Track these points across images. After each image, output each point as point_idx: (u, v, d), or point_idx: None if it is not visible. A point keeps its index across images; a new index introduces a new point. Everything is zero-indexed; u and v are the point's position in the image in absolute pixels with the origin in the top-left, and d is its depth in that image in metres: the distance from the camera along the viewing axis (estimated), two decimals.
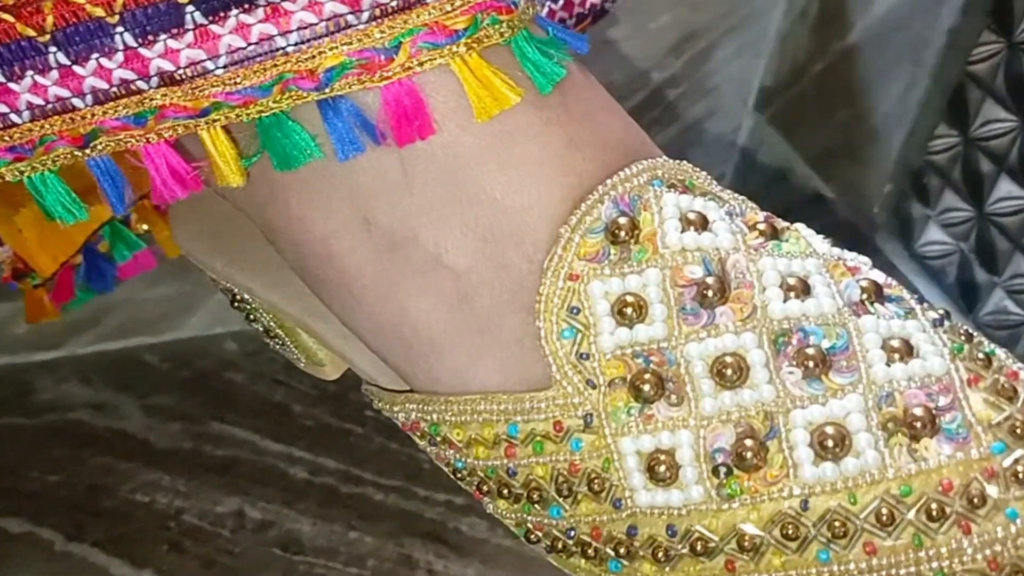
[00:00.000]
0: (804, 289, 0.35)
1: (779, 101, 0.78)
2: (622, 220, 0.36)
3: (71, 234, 0.54)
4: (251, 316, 0.52)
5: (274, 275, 0.44)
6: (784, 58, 0.76)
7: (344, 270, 0.37)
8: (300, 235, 0.37)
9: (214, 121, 0.32)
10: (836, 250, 0.37)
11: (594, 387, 0.35)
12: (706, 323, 0.35)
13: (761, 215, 0.37)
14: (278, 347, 0.52)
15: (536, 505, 0.37)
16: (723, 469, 0.34)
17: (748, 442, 0.34)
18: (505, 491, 0.38)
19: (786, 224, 0.37)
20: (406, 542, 0.60)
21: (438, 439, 0.39)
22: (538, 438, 0.36)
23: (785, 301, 0.35)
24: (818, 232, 0.37)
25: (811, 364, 0.34)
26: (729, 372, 0.35)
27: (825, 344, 0.34)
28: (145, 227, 0.58)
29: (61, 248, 0.54)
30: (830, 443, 0.33)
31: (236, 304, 0.51)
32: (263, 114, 0.32)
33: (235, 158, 0.33)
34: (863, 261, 0.37)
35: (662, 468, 0.35)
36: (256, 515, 0.62)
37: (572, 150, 0.36)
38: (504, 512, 0.39)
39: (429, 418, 0.39)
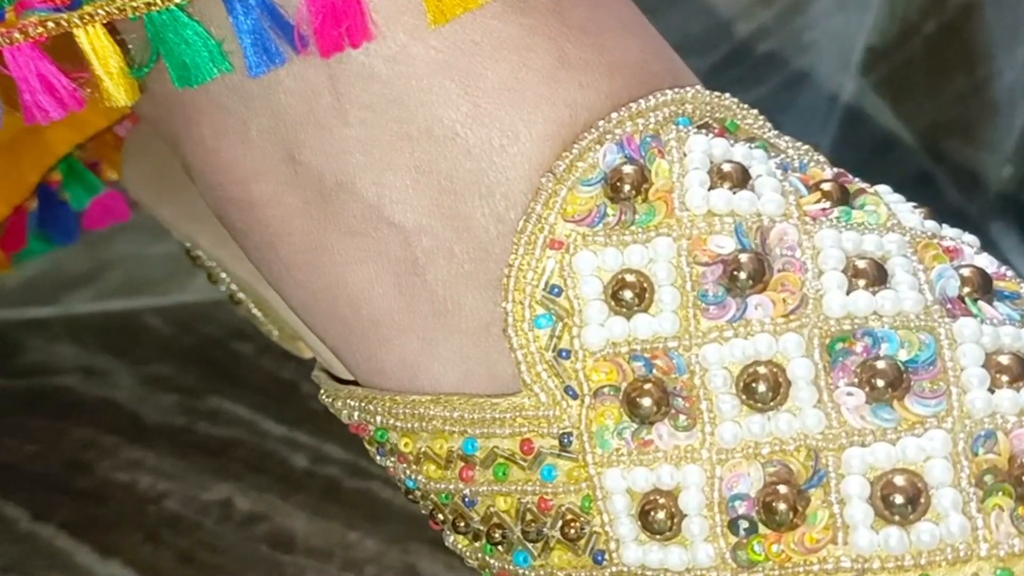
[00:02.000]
0: (878, 276, 0.27)
1: (885, 64, 0.70)
2: (627, 169, 0.28)
3: (23, 172, 0.47)
4: (212, 277, 0.45)
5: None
6: (893, 13, 0.68)
7: (268, 224, 0.31)
8: (217, 176, 0.31)
9: (90, 16, 0.27)
10: (932, 224, 0.29)
11: (575, 397, 0.27)
12: (733, 317, 0.27)
13: (829, 171, 0.29)
14: (248, 316, 0.45)
15: (498, 547, 0.30)
16: (743, 524, 0.26)
17: (782, 489, 0.26)
18: (462, 524, 0.30)
19: (863, 185, 0.29)
20: (412, 549, 0.51)
21: (386, 448, 0.31)
22: (501, 460, 0.29)
23: (849, 292, 0.26)
24: None
25: (880, 384, 0.26)
26: (761, 388, 0.26)
27: (903, 356, 0.26)
28: (116, 176, 0.50)
29: (12, 189, 0.47)
30: (899, 499, 0.25)
31: (196, 262, 0.45)
32: (153, 8, 0.26)
33: (121, 68, 0.27)
34: (968, 241, 0.29)
35: (660, 515, 0.27)
36: (246, 505, 0.53)
37: (564, 71, 0.28)
38: (464, 550, 0.31)
39: (373, 420, 0.31)
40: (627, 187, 0.28)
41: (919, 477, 0.25)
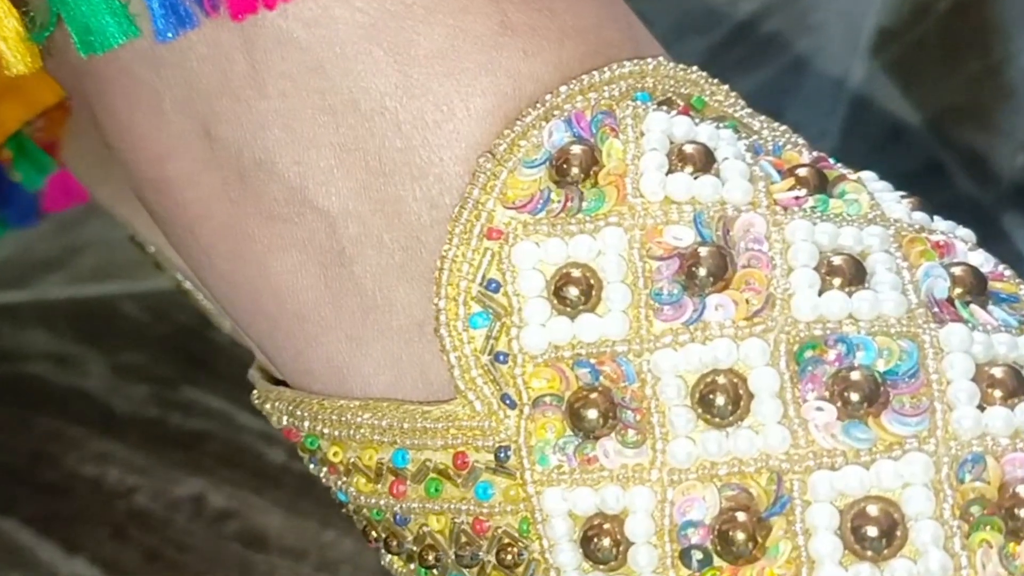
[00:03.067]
0: (856, 275, 0.24)
1: (896, 46, 0.68)
2: (575, 149, 0.26)
3: None
4: (158, 264, 0.43)
5: None
6: None
7: (185, 207, 0.29)
8: (132, 153, 0.29)
9: None
10: (921, 216, 0.27)
11: (513, 406, 0.25)
12: (690, 319, 0.24)
13: (807, 155, 0.27)
14: (198, 306, 0.42)
15: (433, 571, 0.28)
16: (696, 555, 0.24)
17: (740, 516, 0.24)
18: (395, 544, 0.28)
19: (845, 171, 0.27)
20: None
21: (317, 457, 0.29)
22: (433, 475, 0.27)
23: (822, 292, 0.24)
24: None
25: (854, 398, 0.23)
26: (719, 400, 0.24)
27: (880, 366, 0.24)
28: None
29: None
30: (872, 532, 0.23)
31: (141, 249, 0.43)
32: None
33: (18, 32, 0.26)
34: (962, 236, 0.27)
35: (605, 543, 0.25)
36: (218, 501, 0.52)
37: (506, 37, 0.26)
38: (399, 572, 0.29)
39: (301, 426, 0.29)
40: (575, 170, 0.25)
41: (895, 507, 0.23)
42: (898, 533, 0.23)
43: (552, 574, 0.25)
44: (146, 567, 0.48)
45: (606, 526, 0.24)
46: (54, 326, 0.61)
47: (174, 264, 0.39)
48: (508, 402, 0.25)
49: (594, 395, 0.24)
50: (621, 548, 0.24)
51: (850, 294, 0.24)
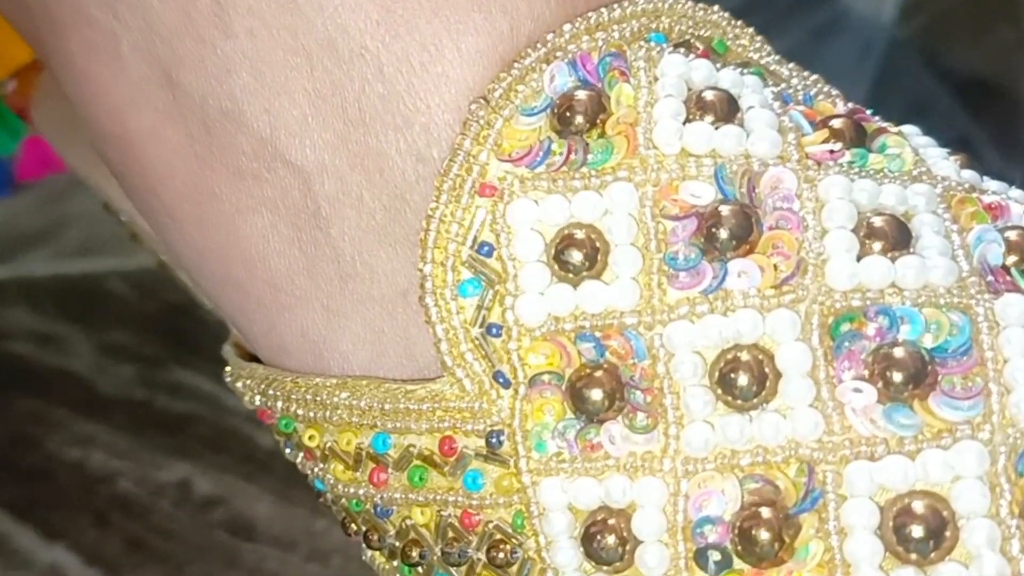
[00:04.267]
0: (899, 238, 0.23)
1: (922, 14, 0.67)
2: (580, 95, 0.24)
3: None
4: (134, 236, 0.41)
5: None
6: None
7: (147, 165, 0.27)
8: (91, 106, 0.27)
9: None
10: (971, 175, 0.25)
11: (507, 385, 0.24)
12: (709, 287, 0.22)
13: (842, 106, 0.25)
14: (180, 280, 0.40)
15: (417, 569, 0.26)
16: (714, 556, 0.22)
17: (764, 512, 0.22)
18: (375, 538, 0.26)
19: (885, 124, 0.25)
20: None
21: (293, 441, 0.27)
22: (417, 462, 0.25)
23: (861, 257, 0.22)
24: None
25: (897, 378, 0.22)
26: (742, 380, 0.22)
27: (928, 342, 0.22)
28: None
29: None
30: (917, 532, 0.21)
31: (117, 217, 0.41)
32: None
33: None
34: (1016, 198, 0.24)
35: (609, 541, 0.23)
36: (205, 488, 0.51)
37: None
38: (382, 568, 0.28)
39: (275, 407, 0.27)
40: (579, 118, 0.23)
41: (944, 503, 0.21)
42: (947, 534, 0.21)
43: (549, 575, 0.23)
44: (128, 555, 0.47)
45: (611, 522, 0.22)
46: (37, 303, 0.60)
47: (148, 233, 0.36)
48: (501, 380, 0.23)
49: (599, 373, 0.23)
50: (628, 547, 0.22)
51: (893, 260, 0.22)
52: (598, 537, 0.22)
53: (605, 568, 0.23)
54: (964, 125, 0.66)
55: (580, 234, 0.23)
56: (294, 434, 0.27)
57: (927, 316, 0.22)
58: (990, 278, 0.22)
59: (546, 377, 0.23)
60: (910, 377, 0.21)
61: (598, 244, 0.23)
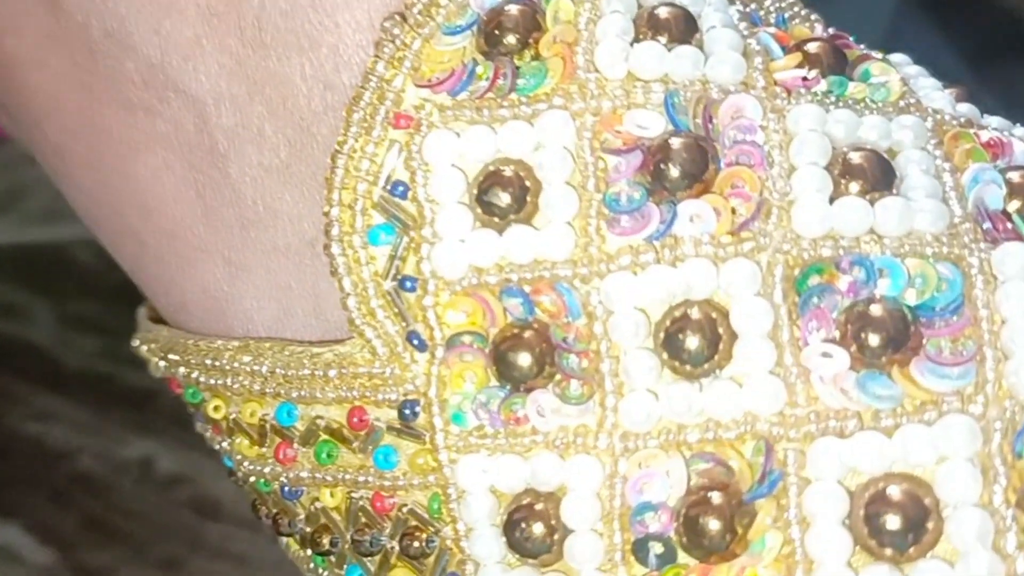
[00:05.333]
0: (881, 177, 0.21)
1: None
2: (511, 10, 0.22)
3: None
4: None
5: None
6: None
7: (31, 94, 0.26)
8: None
9: None
10: (968, 108, 0.23)
11: (422, 348, 0.22)
12: (656, 233, 0.21)
13: (820, 30, 0.24)
14: None
15: (330, 558, 0.25)
16: (655, 548, 0.21)
17: (715, 498, 0.20)
18: (286, 523, 0.25)
19: (864, 51, 0.23)
20: None
21: (201, 413, 0.26)
22: (324, 436, 0.23)
23: (834, 199, 0.21)
24: None
25: (873, 341, 0.20)
26: (692, 342, 0.21)
27: (911, 298, 0.21)
28: None
29: None
30: (893, 523, 0.20)
31: None
32: None
33: None
34: (1020, 135, 0.23)
35: (536, 529, 0.21)
36: (169, 465, 0.51)
37: None
38: (296, 556, 0.26)
39: (177, 373, 0.26)
40: (509, 37, 0.22)
41: (927, 489, 0.20)
42: (929, 525, 0.20)
43: (468, 568, 0.22)
44: (86, 536, 0.47)
45: (538, 507, 0.21)
46: None
47: None
48: (416, 342, 0.22)
49: (527, 334, 0.21)
50: (556, 537, 0.21)
51: (872, 202, 0.21)
52: (523, 525, 0.21)
53: (531, 561, 0.21)
54: (973, 88, 0.69)
55: (507, 171, 0.22)
56: (201, 405, 0.26)
57: (911, 268, 0.21)
58: (987, 224, 0.21)
59: (466, 338, 0.22)
60: (889, 339, 0.20)
61: (528, 183, 0.21)
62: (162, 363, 0.26)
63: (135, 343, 0.28)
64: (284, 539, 0.26)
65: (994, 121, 0.23)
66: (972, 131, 0.22)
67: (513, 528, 0.21)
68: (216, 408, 0.25)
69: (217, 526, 0.48)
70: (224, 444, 0.26)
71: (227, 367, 0.24)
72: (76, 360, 0.55)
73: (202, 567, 0.48)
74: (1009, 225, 0.21)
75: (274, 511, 0.25)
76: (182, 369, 0.25)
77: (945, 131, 0.22)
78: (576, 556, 0.21)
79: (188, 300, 0.26)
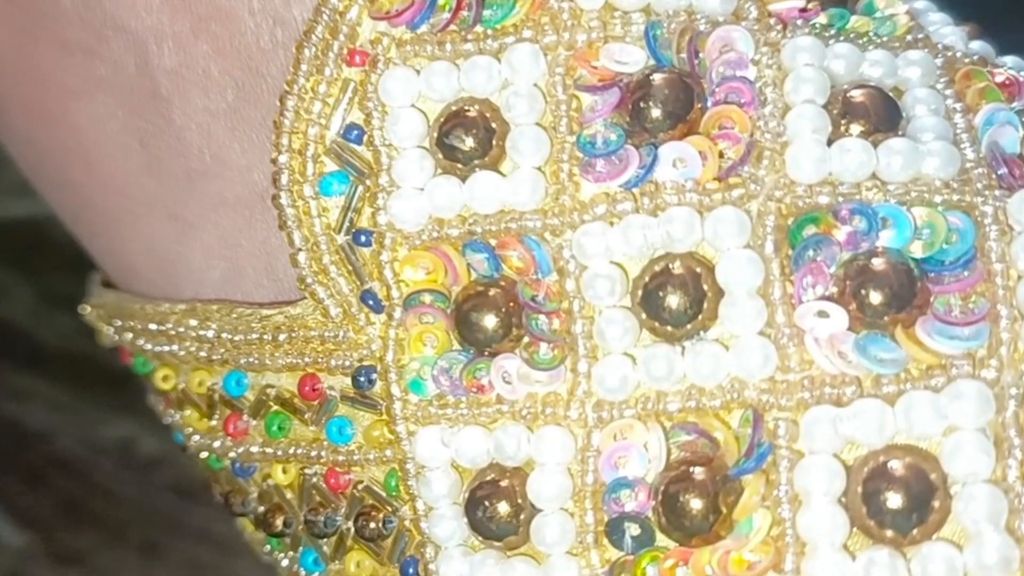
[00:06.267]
0: (884, 117, 0.20)
1: None
2: None
3: None
4: None
5: None
6: None
7: None
8: None
9: None
10: (981, 46, 0.22)
11: (378, 309, 0.21)
12: (634, 179, 0.20)
13: None
14: None
15: (285, 540, 0.24)
16: (631, 529, 0.20)
17: (697, 474, 0.19)
18: (239, 502, 0.24)
19: None
20: None
21: (151, 384, 0.26)
22: (275, 407, 0.23)
23: (832, 141, 0.20)
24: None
25: (875, 298, 0.19)
26: (673, 300, 0.20)
27: (917, 251, 0.20)
28: None
29: None
30: (894, 500, 0.19)
31: None
32: None
33: None
34: None
35: (501, 509, 0.20)
36: (150, 447, 0.49)
37: None
38: (252, 539, 0.25)
39: (124, 340, 0.25)
40: None
41: (933, 463, 0.19)
42: (935, 504, 0.19)
43: (428, 552, 0.21)
44: (64, 519, 0.45)
45: (503, 484, 0.21)
46: None
47: None
48: (371, 303, 0.21)
49: (492, 292, 0.21)
50: (523, 517, 0.20)
51: (875, 144, 0.20)
52: (486, 503, 0.21)
53: (496, 544, 0.21)
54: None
55: (472, 112, 0.21)
56: (151, 375, 0.25)
57: (917, 217, 0.20)
58: (1002, 170, 0.20)
59: (426, 297, 0.21)
60: (892, 297, 0.19)
61: (494, 125, 0.21)
62: (110, 329, 0.26)
63: (84, 309, 0.27)
64: (239, 520, 0.25)
65: (1010, 60, 0.23)
66: (986, 69, 0.22)
67: (475, 507, 0.21)
68: (165, 378, 0.25)
69: (199, 509, 0.46)
70: (175, 417, 0.25)
71: (172, 332, 0.23)
72: (54, 338, 0.54)
73: (183, 551, 0.46)
74: None
75: (227, 489, 0.25)
76: (129, 335, 0.25)
77: (957, 69, 0.21)
78: (544, 538, 0.20)
79: (135, 260, 0.25)
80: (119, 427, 0.48)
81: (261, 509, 0.24)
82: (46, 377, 0.50)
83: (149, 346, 0.24)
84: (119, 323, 0.25)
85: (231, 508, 0.25)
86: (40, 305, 0.54)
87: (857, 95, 0.20)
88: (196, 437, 0.24)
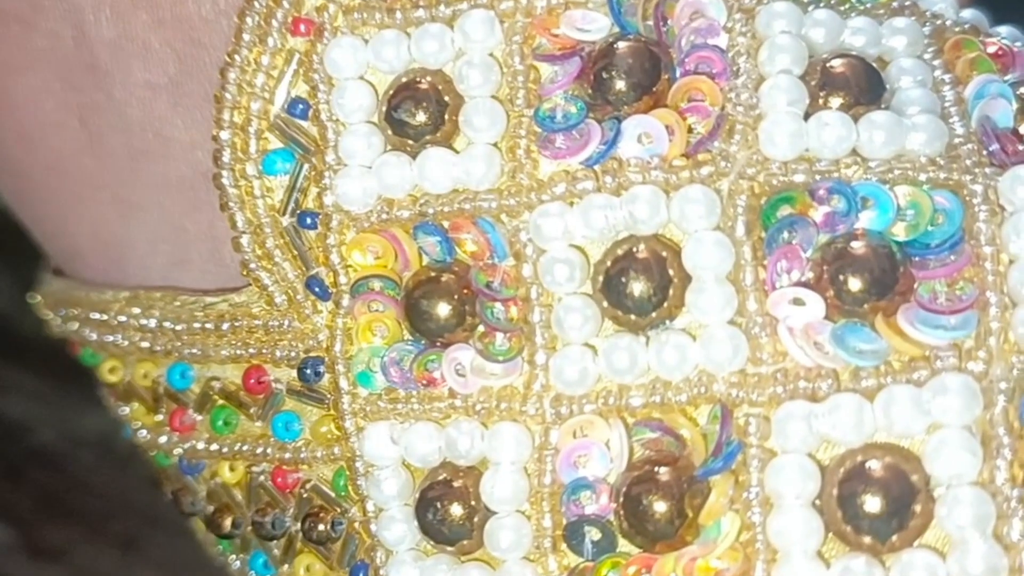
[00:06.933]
0: (866, 88, 0.19)
1: None
2: None
3: None
4: None
5: None
6: None
7: None
8: None
9: None
10: (972, 14, 0.22)
11: (325, 296, 0.21)
12: (595, 155, 0.19)
13: None
14: None
15: (235, 542, 0.23)
16: (592, 534, 0.19)
17: (663, 474, 0.19)
18: (188, 502, 0.24)
19: None
20: None
21: (99, 376, 0.25)
22: (221, 401, 0.22)
23: (809, 115, 0.19)
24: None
25: (854, 284, 0.18)
26: (637, 287, 0.19)
27: (900, 233, 0.19)
28: None
29: None
30: (872, 504, 0.18)
31: None
32: None
33: None
34: None
35: (453, 511, 0.19)
36: (130, 440, 0.48)
37: None
38: (205, 539, 0.25)
39: (71, 329, 0.24)
40: None
41: (915, 463, 0.19)
42: (916, 508, 0.18)
43: (378, 556, 0.20)
44: (41, 512, 0.44)
45: (456, 484, 0.20)
46: None
47: None
48: (317, 289, 0.21)
49: (445, 278, 0.20)
50: (476, 520, 0.20)
51: (856, 118, 0.19)
52: (438, 505, 0.20)
53: (449, 549, 0.20)
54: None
55: (423, 84, 0.20)
56: (99, 367, 0.25)
57: (901, 196, 0.19)
58: (994, 146, 0.19)
59: (375, 284, 0.20)
60: (873, 282, 0.19)
61: (446, 98, 0.20)
62: (57, 318, 0.25)
63: (33, 298, 0.27)
64: (192, 520, 0.25)
65: (1003, 30, 0.22)
66: (978, 39, 0.21)
67: (426, 509, 0.20)
68: (112, 370, 0.24)
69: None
70: (122, 412, 0.25)
71: (115, 322, 0.23)
72: (34, 328, 0.52)
73: (163, 544, 0.45)
74: (1020, 147, 0.19)
75: (176, 487, 0.24)
76: (75, 325, 0.24)
77: (946, 38, 0.21)
78: (498, 542, 0.19)
79: (80, 245, 0.25)
80: (99, 420, 0.45)
81: (210, 509, 0.23)
82: (26, 368, 0.49)
83: (94, 336, 0.24)
84: (64, 312, 0.24)
85: (181, 507, 0.24)
86: (20, 295, 0.49)
87: (837, 65, 0.19)
88: (143, 432, 0.24)
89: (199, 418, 0.23)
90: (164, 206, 0.23)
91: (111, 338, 0.23)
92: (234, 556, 0.24)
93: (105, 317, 0.23)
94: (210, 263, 0.23)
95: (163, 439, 0.23)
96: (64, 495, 0.45)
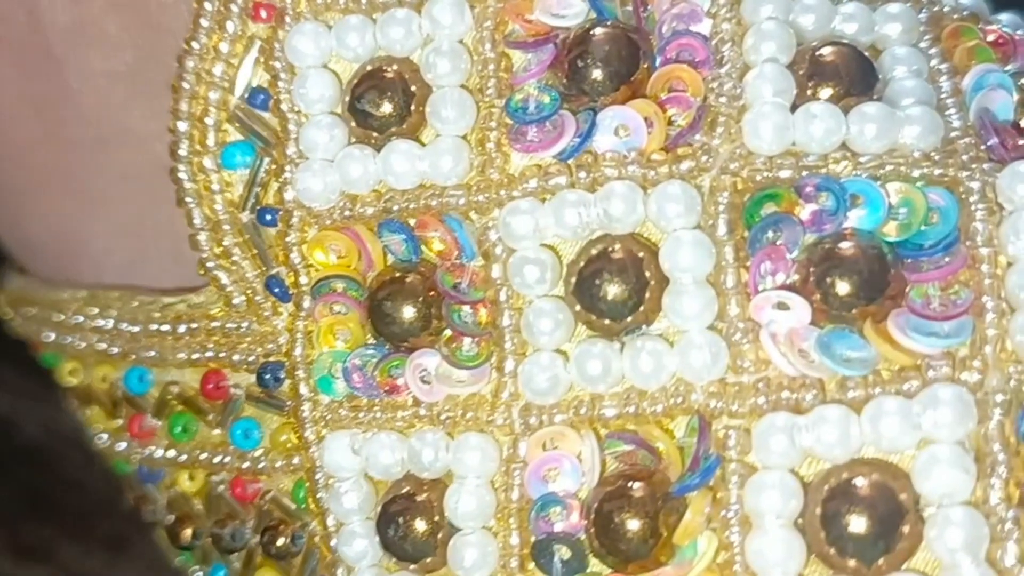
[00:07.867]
0: (857, 78, 0.19)
1: None
2: None
3: None
4: None
5: None
6: None
7: None
8: None
9: None
10: (972, 1, 0.21)
11: (286, 297, 0.20)
12: (569, 149, 0.19)
13: None
14: None
15: (196, 553, 0.22)
16: (561, 553, 0.19)
17: (635, 489, 0.18)
18: (149, 510, 0.23)
19: None
20: None
21: (58, 378, 0.25)
22: (179, 406, 0.22)
23: (797, 107, 0.19)
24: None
25: (842, 288, 0.18)
26: (612, 289, 0.18)
27: (891, 233, 0.18)
28: None
29: None
30: (857, 524, 0.17)
31: None
32: None
33: None
34: None
35: (417, 526, 0.19)
36: None
37: None
38: (168, 549, 0.24)
39: (30, 329, 0.24)
40: None
41: (904, 481, 0.18)
42: (904, 529, 0.17)
43: (339, 573, 0.20)
44: (27, 510, 0.43)
45: (420, 499, 0.19)
46: None
47: None
48: (277, 290, 0.20)
49: (411, 279, 0.19)
50: (440, 536, 0.19)
51: (846, 109, 0.19)
52: (400, 520, 0.19)
53: (412, 567, 0.19)
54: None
55: (389, 73, 0.20)
56: (59, 369, 0.24)
57: (893, 194, 0.19)
58: (992, 140, 0.19)
59: (338, 285, 0.20)
60: (861, 286, 0.18)
61: (413, 87, 0.19)
62: (19, 319, 0.25)
63: None
64: (156, 529, 0.24)
65: (1004, 18, 0.21)
66: (977, 27, 0.20)
67: (388, 524, 0.19)
68: (72, 371, 0.24)
69: None
70: (83, 416, 0.24)
71: (72, 322, 0.23)
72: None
73: (150, 544, 0.47)
74: (1020, 141, 0.19)
75: (137, 495, 0.24)
76: (33, 325, 0.24)
77: (943, 25, 0.20)
78: (462, 560, 0.19)
79: (36, 240, 0.24)
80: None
81: (171, 518, 0.23)
82: (12, 362, 0.44)
83: (52, 336, 0.23)
84: (23, 311, 0.24)
85: (143, 516, 0.24)
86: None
87: (827, 53, 0.19)
88: (103, 437, 0.24)
89: (158, 424, 0.22)
90: (123, 200, 0.22)
91: (69, 339, 0.23)
92: (196, 568, 0.23)
93: (63, 317, 0.23)
94: (169, 262, 0.22)
95: (122, 445, 0.23)
96: (51, 493, 0.44)
